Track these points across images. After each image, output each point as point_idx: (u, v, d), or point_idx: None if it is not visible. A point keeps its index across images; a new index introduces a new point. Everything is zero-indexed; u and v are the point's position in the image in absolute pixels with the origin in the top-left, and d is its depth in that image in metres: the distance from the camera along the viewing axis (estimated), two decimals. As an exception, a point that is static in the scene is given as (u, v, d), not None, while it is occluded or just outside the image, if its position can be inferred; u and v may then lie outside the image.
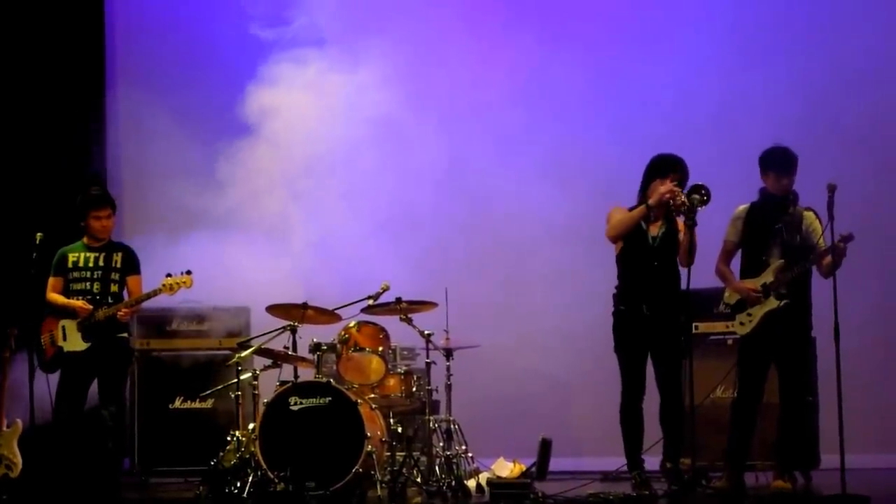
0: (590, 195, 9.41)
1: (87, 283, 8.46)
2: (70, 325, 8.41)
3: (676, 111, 9.91)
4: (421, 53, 9.87)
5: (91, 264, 8.50)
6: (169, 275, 8.29)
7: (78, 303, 8.39)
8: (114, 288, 8.47)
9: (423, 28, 9.95)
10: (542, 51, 10.08)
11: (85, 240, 8.57)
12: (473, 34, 9.99)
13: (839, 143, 9.68)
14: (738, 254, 8.05)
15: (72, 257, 8.54)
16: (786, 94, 9.77)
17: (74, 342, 8.41)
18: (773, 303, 7.77)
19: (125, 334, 8.55)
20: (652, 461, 8.20)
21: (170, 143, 10.13)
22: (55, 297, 8.50)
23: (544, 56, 10.08)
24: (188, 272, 8.29)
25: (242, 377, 8.42)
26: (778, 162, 7.84)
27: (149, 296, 8.38)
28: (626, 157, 9.16)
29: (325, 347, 8.44)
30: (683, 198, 7.64)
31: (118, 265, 8.51)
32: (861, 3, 10.02)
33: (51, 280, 8.54)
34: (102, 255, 8.51)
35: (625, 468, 8.08)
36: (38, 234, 8.40)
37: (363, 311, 8.58)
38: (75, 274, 8.49)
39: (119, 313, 8.32)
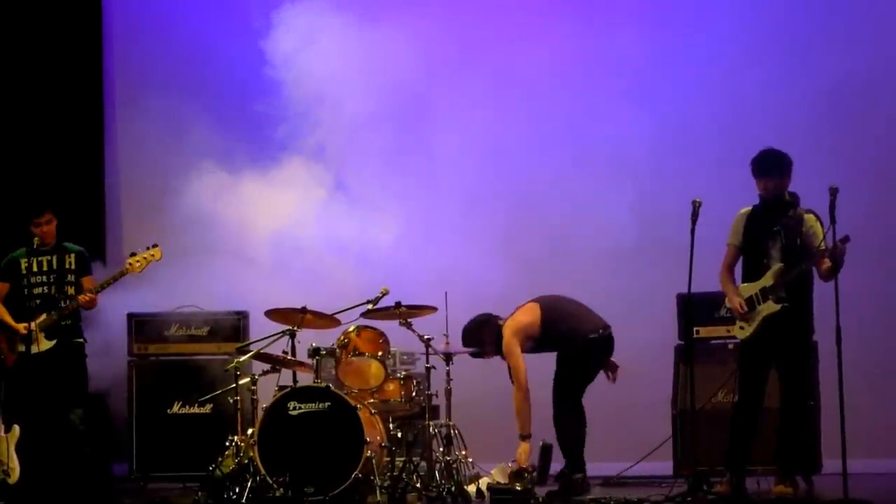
0: (600, 203, 9.37)
1: (45, 287, 8.50)
2: (36, 327, 8.41)
3: (684, 113, 9.88)
4: (454, 36, 9.82)
5: (45, 268, 8.55)
6: (133, 253, 8.26)
7: (10, 321, 8.38)
8: (70, 290, 8.49)
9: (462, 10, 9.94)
10: (580, 40, 10.00)
11: (35, 243, 8.54)
12: (510, 26, 9.97)
13: (842, 145, 9.68)
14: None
15: (24, 263, 8.56)
16: (793, 97, 9.73)
17: (41, 343, 8.41)
18: (772, 306, 7.73)
19: (81, 339, 8.57)
20: (656, 466, 8.19)
21: (168, 148, 10.10)
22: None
23: (576, 46, 10.00)
24: (155, 245, 8.26)
25: (241, 382, 8.39)
26: (756, 165, 7.82)
27: (115, 278, 8.40)
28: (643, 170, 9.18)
29: (324, 352, 8.41)
30: None
31: (72, 266, 8.54)
32: (868, 5, 9.98)
33: None
34: (55, 257, 8.55)
35: (625, 472, 8.05)
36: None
37: (362, 315, 8.57)
38: (33, 279, 8.52)
39: (81, 297, 8.30)
